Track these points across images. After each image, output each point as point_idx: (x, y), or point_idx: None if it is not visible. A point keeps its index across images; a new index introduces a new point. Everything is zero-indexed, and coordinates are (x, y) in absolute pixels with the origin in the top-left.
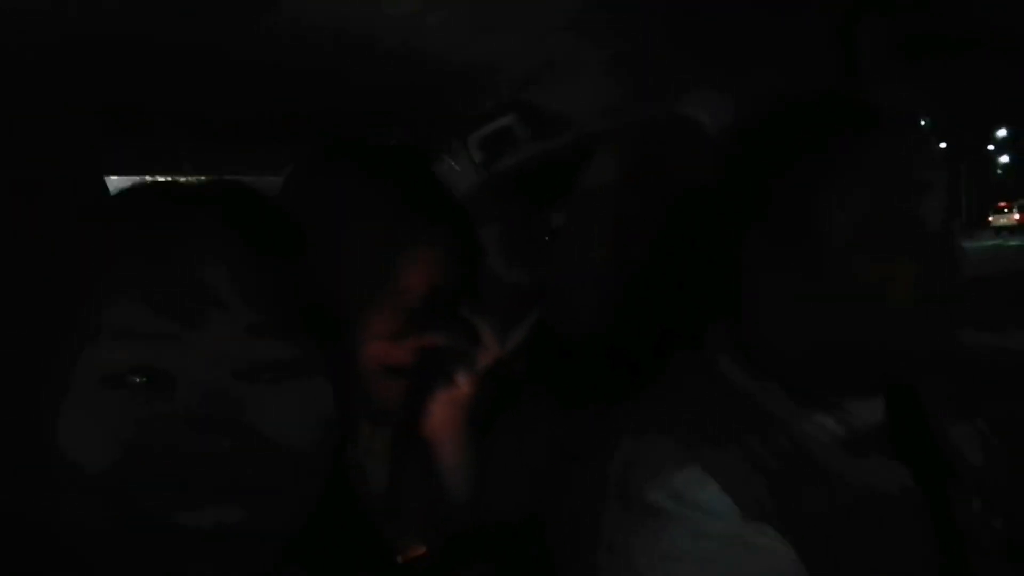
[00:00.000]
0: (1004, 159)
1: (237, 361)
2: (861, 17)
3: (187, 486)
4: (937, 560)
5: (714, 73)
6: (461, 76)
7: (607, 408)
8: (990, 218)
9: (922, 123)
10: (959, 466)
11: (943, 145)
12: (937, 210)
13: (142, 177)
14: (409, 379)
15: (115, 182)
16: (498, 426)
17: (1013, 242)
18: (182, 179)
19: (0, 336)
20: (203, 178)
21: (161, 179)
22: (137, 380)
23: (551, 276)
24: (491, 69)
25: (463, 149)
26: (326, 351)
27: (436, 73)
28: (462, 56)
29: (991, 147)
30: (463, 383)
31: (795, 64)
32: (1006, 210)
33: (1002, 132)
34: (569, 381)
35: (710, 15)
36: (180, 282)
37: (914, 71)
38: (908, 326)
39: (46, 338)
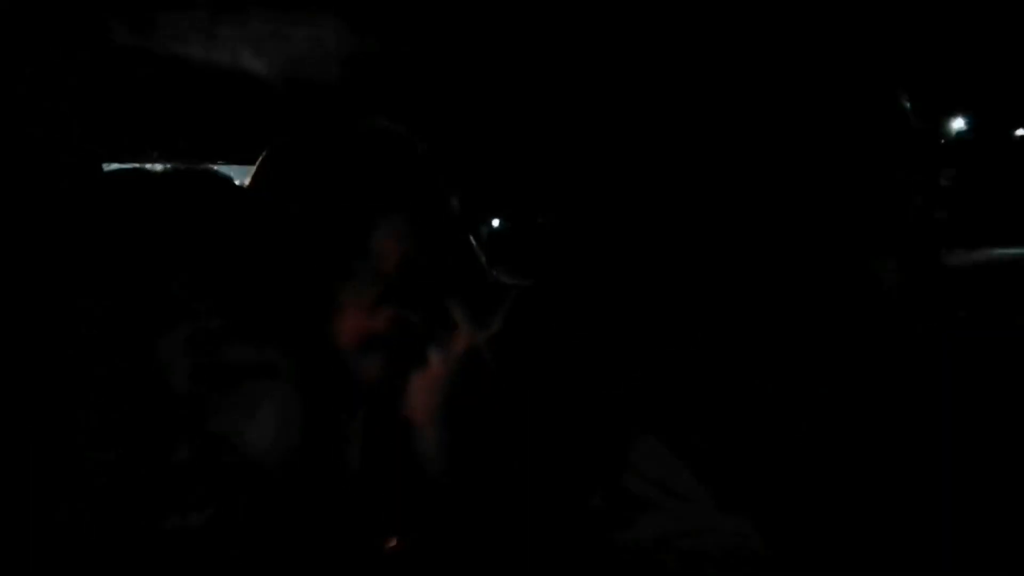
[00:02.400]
0: None
1: (199, 366)
2: None
3: (151, 491)
4: (917, 548)
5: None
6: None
7: (599, 401)
8: None
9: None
10: (943, 454)
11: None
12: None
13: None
14: (385, 356)
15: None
16: (486, 416)
17: None
18: (151, 167)
19: None
20: (173, 167)
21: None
22: (101, 383)
23: (546, 272)
24: None
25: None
26: (295, 349)
27: None
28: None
29: None
30: (435, 364)
31: None
32: None
33: None
34: (561, 373)
35: None
36: (139, 285)
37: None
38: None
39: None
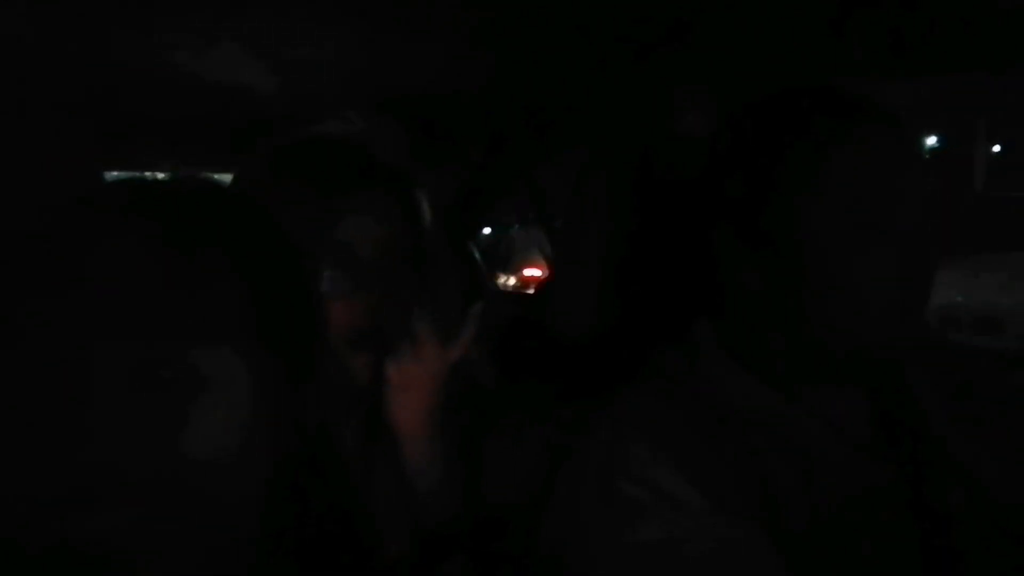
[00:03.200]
0: None
1: (166, 370)
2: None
3: (103, 506)
4: (919, 552)
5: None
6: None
7: (598, 403)
8: None
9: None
10: (942, 457)
11: None
12: (913, 208)
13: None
14: (373, 353)
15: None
16: (492, 424)
17: None
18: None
19: None
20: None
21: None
22: (45, 386)
23: (550, 274)
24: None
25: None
26: (280, 357)
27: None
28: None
29: None
30: (401, 375)
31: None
32: None
33: None
34: (563, 378)
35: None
36: (100, 281)
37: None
38: (885, 321)
39: None
